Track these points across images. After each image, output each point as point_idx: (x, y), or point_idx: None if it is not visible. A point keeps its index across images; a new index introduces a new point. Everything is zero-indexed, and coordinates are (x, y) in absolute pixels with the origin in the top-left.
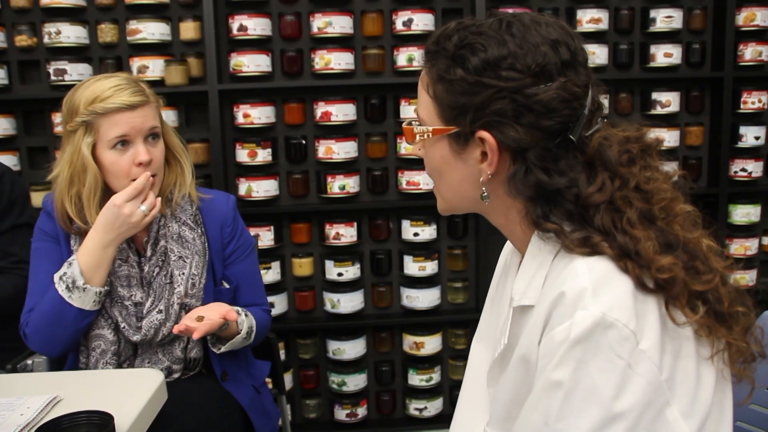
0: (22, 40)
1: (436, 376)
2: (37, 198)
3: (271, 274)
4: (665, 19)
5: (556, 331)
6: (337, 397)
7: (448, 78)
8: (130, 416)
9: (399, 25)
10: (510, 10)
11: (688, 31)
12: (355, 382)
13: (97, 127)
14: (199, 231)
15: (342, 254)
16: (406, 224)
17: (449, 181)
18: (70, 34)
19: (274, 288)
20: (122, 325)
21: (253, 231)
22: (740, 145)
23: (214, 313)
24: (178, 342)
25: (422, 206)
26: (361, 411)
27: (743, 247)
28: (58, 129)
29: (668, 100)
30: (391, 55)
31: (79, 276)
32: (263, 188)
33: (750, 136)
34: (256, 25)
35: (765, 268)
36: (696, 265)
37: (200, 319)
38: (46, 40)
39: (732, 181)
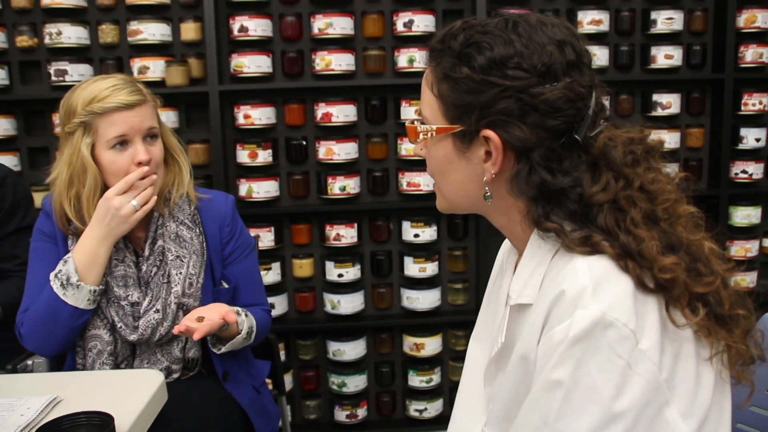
0: (23, 40)
1: (436, 378)
2: (38, 199)
3: (272, 275)
4: (666, 20)
5: (556, 331)
6: (337, 398)
7: (453, 76)
8: (130, 417)
9: (400, 26)
10: (512, 11)
11: (688, 33)
12: (355, 383)
13: (95, 127)
14: (197, 231)
15: (342, 255)
16: (406, 225)
17: (452, 181)
18: (71, 34)
19: (274, 289)
20: (119, 325)
21: (253, 232)
22: (741, 146)
23: (214, 313)
24: (177, 342)
25: (423, 207)
26: (361, 412)
27: (744, 249)
28: (58, 130)
29: (669, 102)
30: (392, 56)
31: (73, 273)
32: (264, 189)
33: (750, 137)
34: (256, 26)
35: (765, 270)
36: (698, 267)
37: (200, 319)
38: (46, 40)
39: (732, 182)
